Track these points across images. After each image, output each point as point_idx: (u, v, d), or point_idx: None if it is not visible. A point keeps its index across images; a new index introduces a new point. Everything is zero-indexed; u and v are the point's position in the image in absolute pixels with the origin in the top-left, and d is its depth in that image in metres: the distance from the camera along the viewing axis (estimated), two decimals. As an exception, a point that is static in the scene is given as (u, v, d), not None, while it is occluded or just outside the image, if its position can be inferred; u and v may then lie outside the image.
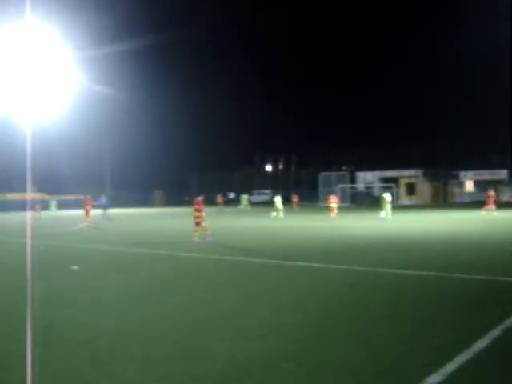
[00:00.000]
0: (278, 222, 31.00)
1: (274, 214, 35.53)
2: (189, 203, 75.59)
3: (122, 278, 11.48)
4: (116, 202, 64.03)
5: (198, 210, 19.10)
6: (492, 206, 34.66)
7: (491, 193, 35.88)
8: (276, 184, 76.92)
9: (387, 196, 31.83)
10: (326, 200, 32.82)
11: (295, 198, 49.92)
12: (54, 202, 62.91)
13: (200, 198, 19.57)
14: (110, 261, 14.79)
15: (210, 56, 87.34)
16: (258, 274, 11.85)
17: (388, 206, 31.21)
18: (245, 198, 56.71)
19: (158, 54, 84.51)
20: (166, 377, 5.31)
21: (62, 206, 66.48)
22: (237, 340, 6.54)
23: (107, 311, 8.29)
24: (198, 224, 19.12)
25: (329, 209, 30.99)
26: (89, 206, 30.22)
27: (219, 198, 54.96)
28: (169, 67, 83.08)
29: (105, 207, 37.38)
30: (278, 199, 35.99)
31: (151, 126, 73.83)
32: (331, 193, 41.07)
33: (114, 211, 49.68)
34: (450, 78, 73.94)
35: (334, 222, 28.99)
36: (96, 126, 71.10)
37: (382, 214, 31.41)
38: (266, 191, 74.60)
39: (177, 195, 78.96)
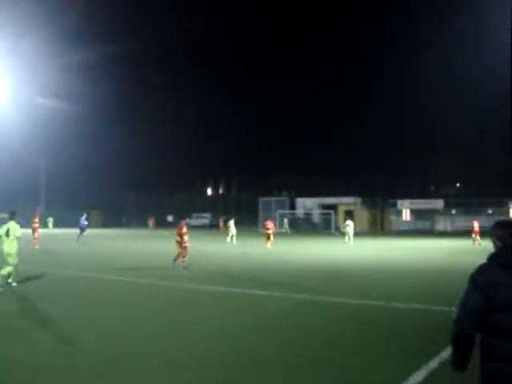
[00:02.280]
0: (225, 246, 30.59)
1: (229, 239, 33.50)
2: (127, 225, 74.21)
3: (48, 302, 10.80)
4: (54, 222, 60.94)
5: (185, 234, 17.88)
6: (477, 237, 32.07)
7: (475, 222, 33.13)
8: (216, 208, 76.33)
9: (350, 223, 33.68)
10: (263, 226, 31.68)
11: (222, 223, 51.66)
12: (50, 219, 58.77)
13: (184, 222, 18.80)
14: (56, 284, 14.01)
15: (155, 74, 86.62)
16: (192, 300, 11.41)
17: (350, 232, 32.90)
18: (285, 221, 57.45)
19: (105, 68, 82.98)
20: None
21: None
22: (163, 370, 6.10)
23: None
24: (185, 249, 17.83)
25: (266, 236, 29.87)
26: (36, 225, 28.73)
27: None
28: (114, 83, 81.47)
29: (83, 228, 33.27)
30: (232, 223, 34.47)
31: (90, 142, 71.97)
32: (268, 218, 39.48)
33: (55, 231, 47.93)
34: (391, 109, 75.78)
35: (272, 247, 28.60)
36: (34, 140, 68.80)
37: (346, 238, 32.90)
38: (206, 215, 73.93)
39: (113, 216, 76.90)
